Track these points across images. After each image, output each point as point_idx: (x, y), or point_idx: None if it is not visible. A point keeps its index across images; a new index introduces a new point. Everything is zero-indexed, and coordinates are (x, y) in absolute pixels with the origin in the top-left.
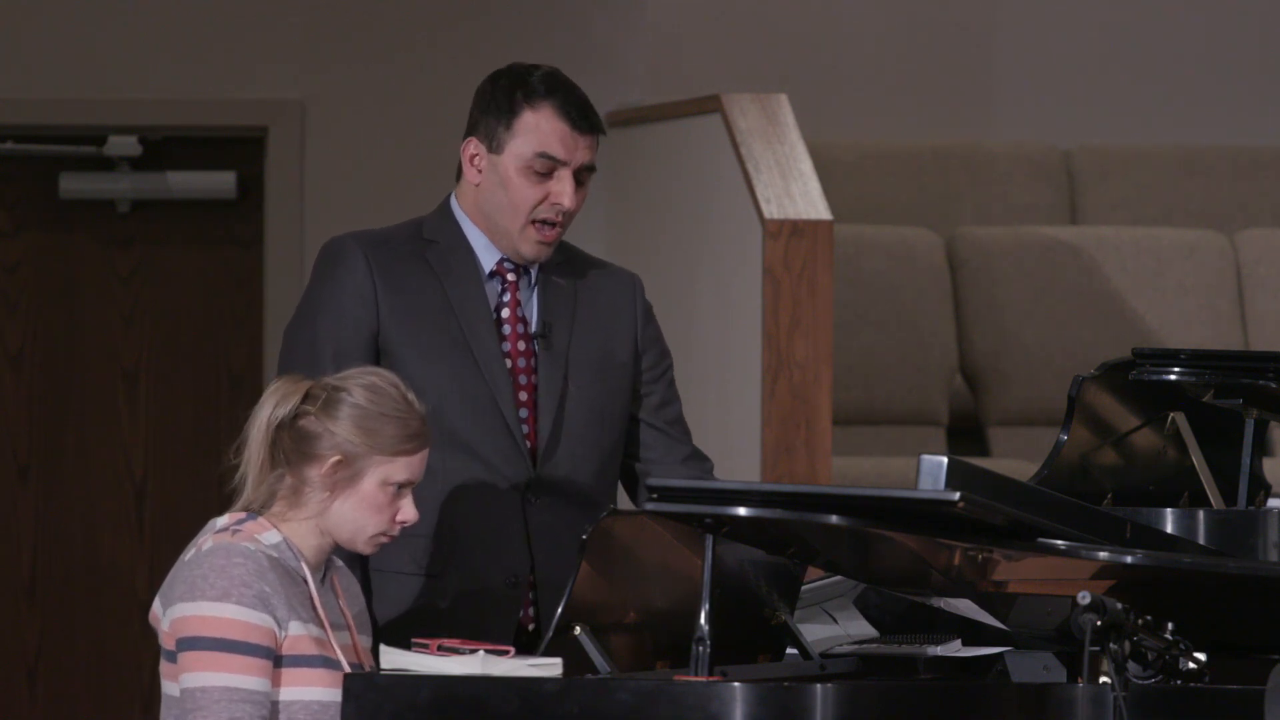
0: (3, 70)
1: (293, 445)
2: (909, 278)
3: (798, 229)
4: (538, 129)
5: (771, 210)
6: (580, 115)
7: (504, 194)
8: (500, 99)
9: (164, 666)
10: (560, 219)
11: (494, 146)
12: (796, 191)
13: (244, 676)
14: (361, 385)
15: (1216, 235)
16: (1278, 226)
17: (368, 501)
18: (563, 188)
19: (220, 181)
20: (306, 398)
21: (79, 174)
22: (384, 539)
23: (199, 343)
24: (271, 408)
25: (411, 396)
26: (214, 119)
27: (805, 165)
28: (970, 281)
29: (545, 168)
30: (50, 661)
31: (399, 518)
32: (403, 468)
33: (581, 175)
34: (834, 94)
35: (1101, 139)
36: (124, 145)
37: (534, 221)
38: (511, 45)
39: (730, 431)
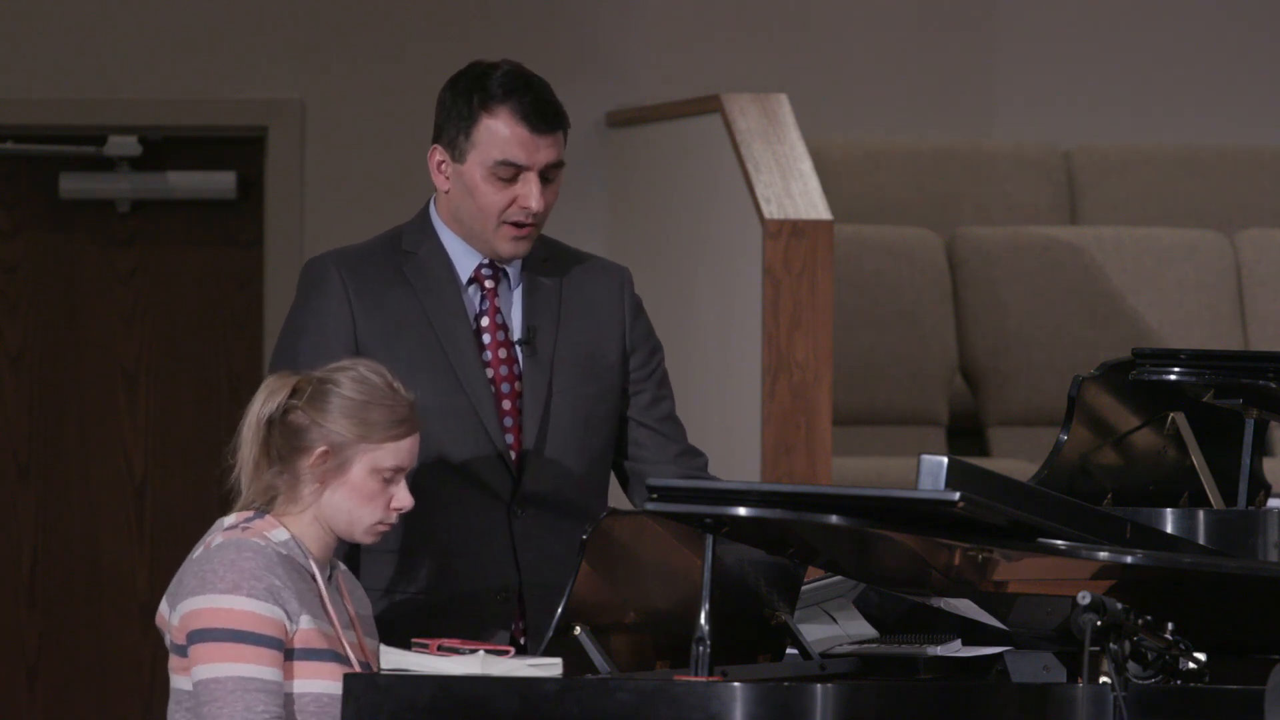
0: (3, 70)
1: (284, 440)
2: (909, 278)
3: (798, 229)
4: (496, 136)
5: (771, 210)
6: (539, 117)
7: (471, 201)
8: (460, 106)
9: (173, 661)
10: (531, 219)
11: (457, 155)
12: (796, 191)
13: (257, 666)
14: (347, 376)
15: (1216, 235)
16: (1278, 226)
17: (358, 490)
18: (529, 190)
19: (220, 181)
20: (294, 392)
21: (79, 174)
22: (382, 527)
23: (199, 343)
24: (261, 405)
25: (398, 384)
26: (214, 119)
27: (805, 165)
28: (970, 281)
29: (508, 174)
30: (50, 661)
31: (394, 505)
32: (390, 454)
33: (548, 174)
34: (834, 94)
35: (1101, 139)
36: (124, 145)
37: (505, 223)
38: (512, 45)
39: (730, 431)
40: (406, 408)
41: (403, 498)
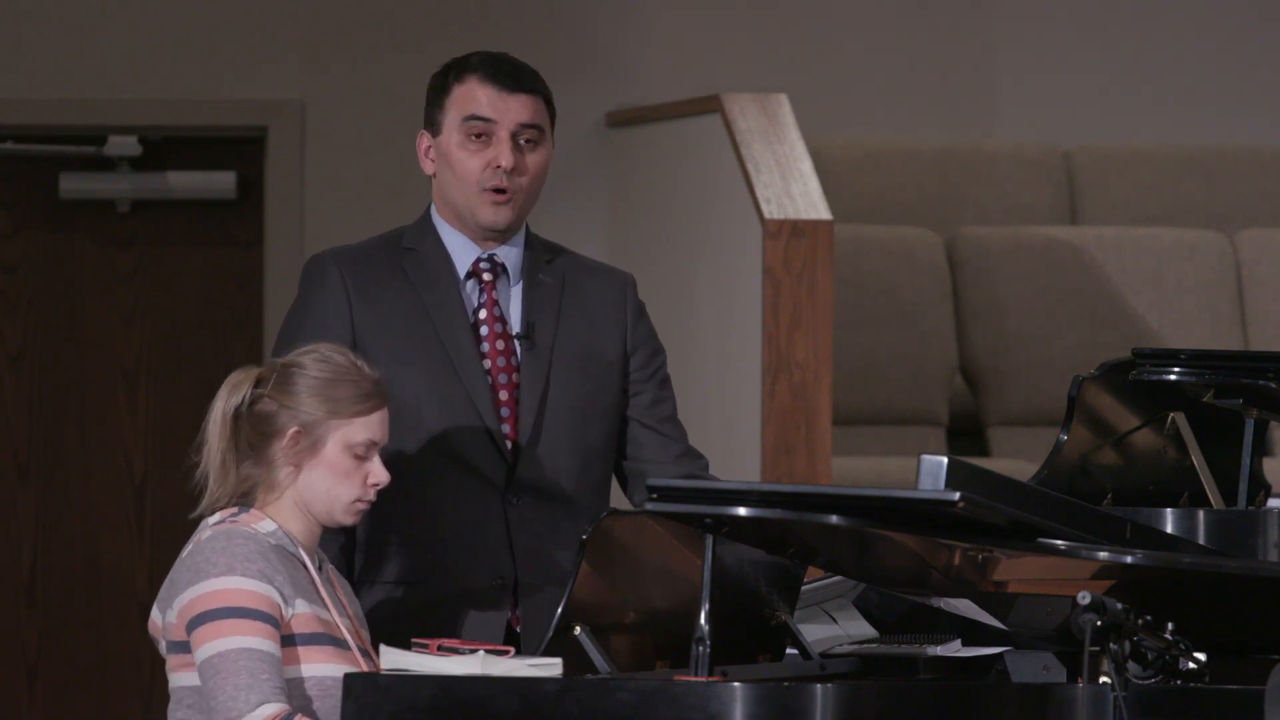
0: (3, 70)
1: (253, 430)
2: (909, 278)
3: (798, 229)
4: (465, 97)
5: (771, 210)
6: (505, 75)
7: (451, 172)
8: (437, 85)
9: (172, 660)
10: (508, 183)
11: (435, 130)
12: (796, 191)
13: (259, 639)
14: (310, 358)
15: (1216, 235)
16: (1278, 226)
17: (334, 468)
18: (499, 149)
19: (220, 181)
20: (258, 382)
21: (79, 174)
22: (361, 505)
23: (199, 343)
24: (226, 399)
25: (361, 362)
26: (214, 119)
27: (805, 165)
28: (970, 281)
29: (479, 131)
30: (50, 661)
31: (370, 480)
32: (360, 429)
33: (521, 136)
34: (834, 94)
35: (1101, 139)
36: (124, 145)
37: (484, 189)
38: (512, 45)
39: (730, 431)
40: (372, 383)
41: (378, 473)
